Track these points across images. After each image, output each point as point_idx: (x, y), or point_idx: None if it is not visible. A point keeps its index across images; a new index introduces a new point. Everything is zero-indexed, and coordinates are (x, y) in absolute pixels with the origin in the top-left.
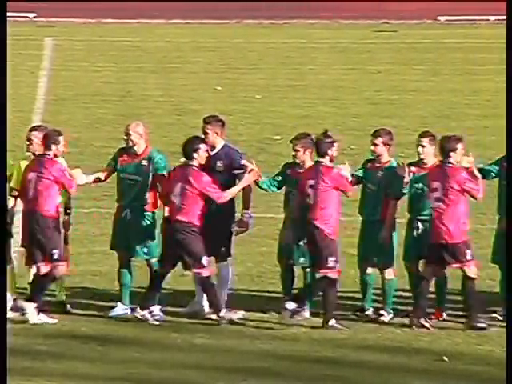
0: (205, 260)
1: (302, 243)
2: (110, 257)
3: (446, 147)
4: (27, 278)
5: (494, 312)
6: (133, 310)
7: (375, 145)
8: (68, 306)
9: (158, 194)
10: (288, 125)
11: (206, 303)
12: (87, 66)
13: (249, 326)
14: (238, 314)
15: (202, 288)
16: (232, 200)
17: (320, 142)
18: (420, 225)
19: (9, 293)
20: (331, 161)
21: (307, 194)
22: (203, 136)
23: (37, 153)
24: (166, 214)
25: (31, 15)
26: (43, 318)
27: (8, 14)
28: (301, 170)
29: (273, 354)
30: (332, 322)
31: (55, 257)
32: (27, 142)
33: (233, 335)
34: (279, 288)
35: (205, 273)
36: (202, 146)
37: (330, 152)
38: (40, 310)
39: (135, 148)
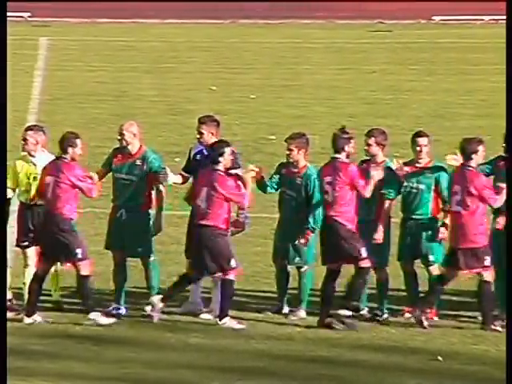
0: (233, 262)
1: (296, 243)
2: (104, 257)
3: (467, 149)
4: (22, 278)
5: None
6: (127, 309)
7: (369, 145)
8: (63, 306)
9: (152, 193)
10: (283, 125)
11: (201, 303)
12: (82, 65)
13: (244, 325)
14: (239, 325)
15: (225, 290)
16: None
17: (337, 138)
18: (414, 224)
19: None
20: (347, 157)
21: (325, 191)
22: (198, 136)
23: (32, 152)
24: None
25: (26, 15)
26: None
27: None
28: (295, 170)
29: (268, 354)
30: (344, 312)
31: (79, 256)
32: (23, 142)
33: (228, 335)
34: (274, 288)
35: (231, 276)
36: (227, 150)
37: (346, 148)
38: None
39: (129, 148)
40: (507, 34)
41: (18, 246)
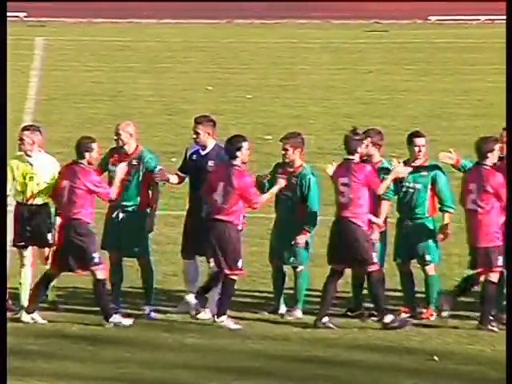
0: (240, 263)
1: (293, 243)
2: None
3: (483, 148)
4: (19, 278)
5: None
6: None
7: (365, 145)
8: (58, 306)
9: (148, 193)
10: (279, 124)
11: (197, 303)
12: (78, 65)
13: (240, 325)
14: (236, 326)
15: (227, 289)
16: None
17: (349, 140)
18: (410, 224)
19: None
20: (361, 158)
21: (341, 192)
22: (194, 136)
23: (29, 152)
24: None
25: (22, 15)
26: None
27: None
28: (291, 170)
29: (264, 354)
30: (389, 317)
31: (96, 260)
32: (19, 142)
33: (224, 335)
34: (270, 288)
35: (235, 276)
36: (245, 144)
37: (359, 149)
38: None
39: (126, 148)
40: (507, 34)
41: (14, 245)
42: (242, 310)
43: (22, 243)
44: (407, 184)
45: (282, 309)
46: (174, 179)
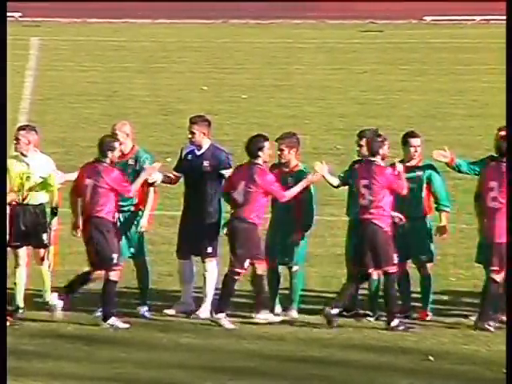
0: (246, 263)
1: (289, 242)
2: None
3: (503, 146)
4: (13, 278)
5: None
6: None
7: (360, 145)
8: (53, 305)
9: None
10: (274, 125)
11: (192, 303)
12: (73, 65)
13: (235, 325)
14: (231, 326)
15: (227, 287)
16: (219, 200)
17: (371, 141)
18: (405, 224)
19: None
20: (383, 159)
21: (361, 194)
22: (189, 136)
23: (25, 152)
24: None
25: (17, 15)
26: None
27: None
28: (286, 170)
29: (259, 354)
30: (396, 322)
31: (114, 261)
32: (15, 142)
33: (219, 335)
34: (265, 288)
35: (260, 270)
36: (266, 144)
37: (381, 151)
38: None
39: (122, 147)
40: (507, 33)
41: (9, 245)
42: (237, 310)
43: (17, 243)
44: None
45: (277, 309)
46: (158, 177)
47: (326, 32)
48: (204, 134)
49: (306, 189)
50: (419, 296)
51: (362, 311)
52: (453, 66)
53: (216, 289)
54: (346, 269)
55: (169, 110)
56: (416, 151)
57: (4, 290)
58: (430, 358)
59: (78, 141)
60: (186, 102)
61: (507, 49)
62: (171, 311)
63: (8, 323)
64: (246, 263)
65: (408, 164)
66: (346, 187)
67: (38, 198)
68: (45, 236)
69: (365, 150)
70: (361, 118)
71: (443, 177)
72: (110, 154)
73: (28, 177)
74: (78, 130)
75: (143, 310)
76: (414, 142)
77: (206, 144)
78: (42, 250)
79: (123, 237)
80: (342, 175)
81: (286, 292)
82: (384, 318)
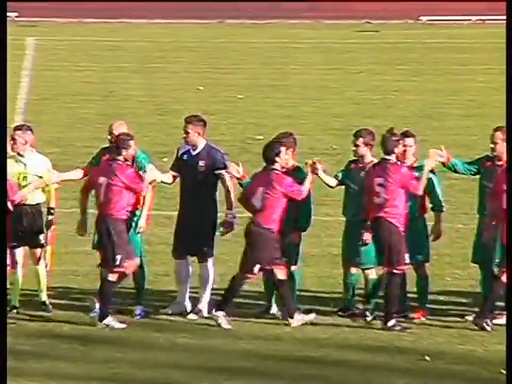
0: (256, 269)
1: (286, 242)
2: (91, 257)
3: None
4: (9, 279)
5: (475, 312)
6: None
7: (357, 145)
8: (50, 306)
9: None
10: (270, 125)
11: (188, 303)
12: (69, 65)
13: (232, 325)
14: (228, 326)
15: (232, 288)
16: (214, 200)
17: (386, 140)
18: None
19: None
20: (397, 158)
21: (376, 193)
22: (184, 136)
23: (21, 152)
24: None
25: (13, 15)
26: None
27: None
28: (283, 170)
29: (256, 354)
30: (392, 322)
31: (117, 263)
32: (11, 142)
33: (215, 335)
34: (261, 288)
35: (280, 275)
36: (283, 150)
37: (396, 150)
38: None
39: None
40: (507, 33)
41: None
42: (233, 309)
43: (14, 243)
44: None
45: (274, 309)
46: (167, 179)
47: (322, 32)
48: (199, 133)
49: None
50: (415, 296)
51: (358, 311)
52: (449, 66)
53: (212, 289)
54: (342, 269)
55: (165, 109)
56: (405, 150)
57: (4, 290)
58: (427, 357)
59: (74, 141)
60: (181, 101)
61: (507, 49)
62: (167, 311)
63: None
64: (256, 269)
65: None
66: (343, 187)
67: (35, 197)
68: (41, 236)
69: (361, 150)
70: (357, 118)
71: (439, 177)
72: (124, 151)
73: (25, 177)
74: (74, 130)
75: (139, 309)
76: (406, 141)
77: (201, 144)
78: (38, 250)
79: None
80: (338, 175)
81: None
82: (381, 318)
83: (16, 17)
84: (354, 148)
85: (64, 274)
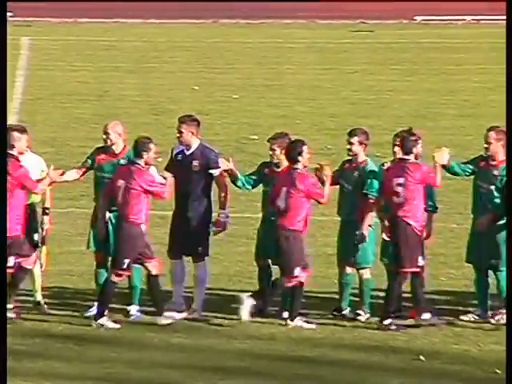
0: (297, 271)
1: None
2: (86, 257)
3: None
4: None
5: (470, 312)
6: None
7: (351, 144)
8: (45, 305)
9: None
10: (265, 124)
11: (183, 303)
12: (64, 65)
13: (226, 325)
14: (310, 325)
15: (295, 297)
16: (209, 200)
17: (405, 140)
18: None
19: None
20: (416, 158)
21: (395, 192)
22: (178, 135)
23: (15, 153)
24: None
25: (8, 14)
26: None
27: None
28: (278, 170)
29: (250, 354)
30: (388, 321)
31: (123, 266)
32: None
33: (210, 335)
34: (257, 288)
35: (292, 284)
36: (305, 149)
37: (414, 150)
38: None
39: (113, 147)
40: (507, 33)
41: None
42: (227, 310)
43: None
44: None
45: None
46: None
47: (316, 32)
48: (192, 133)
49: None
50: (410, 295)
51: (352, 311)
52: (444, 66)
53: (207, 289)
54: (337, 268)
55: (160, 109)
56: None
57: (4, 290)
58: (421, 357)
59: (69, 140)
60: (176, 101)
61: (507, 49)
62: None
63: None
64: (297, 271)
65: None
66: (337, 186)
67: (30, 197)
68: (36, 236)
69: (354, 149)
70: (351, 118)
71: None
72: (145, 154)
73: None
74: (69, 130)
75: (134, 309)
76: (397, 141)
77: (195, 144)
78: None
79: (114, 236)
80: (333, 175)
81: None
82: (374, 319)
83: (11, 16)
84: (348, 146)
85: (59, 273)
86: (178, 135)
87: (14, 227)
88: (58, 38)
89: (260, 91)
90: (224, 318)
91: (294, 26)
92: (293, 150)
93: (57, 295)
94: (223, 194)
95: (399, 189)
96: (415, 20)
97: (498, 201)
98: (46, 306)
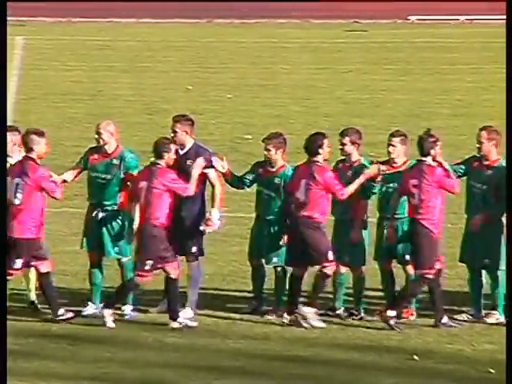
0: (330, 255)
1: (281, 243)
2: (80, 256)
3: None
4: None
5: (463, 312)
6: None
7: (343, 144)
8: (38, 305)
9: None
10: (259, 124)
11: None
12: (58, 65)
13: (220, 325)
14: (320, 323)
15: (320, 283)
16: (202, 199)
17: (423, 141)
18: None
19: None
20: (434, 160)
21: (411, 194)
22: (172, 135)
23: (10, 154)
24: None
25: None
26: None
27: None
28: (273, 170)
29: (244, 353)
30: (445, 319)
31: (147, 267)
32: None
33: (204, 334)
34: (251, 287)
35: (328, 270)
36: (326, 142)
37: (432, 151)
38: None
39: (106, 147)
40: (507, 33)
41: None
42: (222, 309)
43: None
44: (387, 184)
45: (263, 308)
46: None
47: (310, 31)
48: (186, 132)
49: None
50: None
51: (346, 310)
52: (437, 66)
53: (201, 288)
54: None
55: (153, 109)
56: (393, 150)
57: (4, 290)
58: (415, 357)
59: (63, 140)
60: (170, 101)
61: (507, 49)
62: (156, 310)
63: None
64: (330, 255)
65: (394, 165)
66: None
67: None
68: None
69: (347, 149)
70: (345, 118)
71: None
72: (166, 155)
73: None
74: (63, 130)
75: (128, 309)
76: (392, 140)
77: (189, 143)
78: None
79: (107, 236)
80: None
81: (272, 291)
82: (368, 318)
83: None
84: (341, 146)
85: (53, 273)
86: (173, 135)
87: (29, 230)
88: (52, 38)
89: (254, 91)
90: (218, 318)
91: (288, 25)
92: (313, 143)
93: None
94: (217, 194)
95: (414, 190)
96: (409, 20)
97: (491, 201)
98: (39, 305)
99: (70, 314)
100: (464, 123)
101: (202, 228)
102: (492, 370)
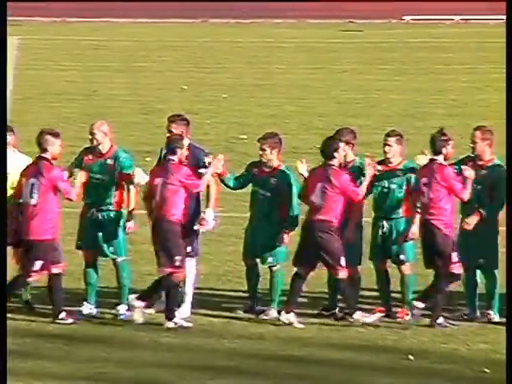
0: (343, 260)
1: (273, 243)
2: (75, 256)
3: None
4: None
5: (459, 310)
6: (98, 308)
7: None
8: (33, 304)
9: (123, 192)
10: (255, 124)
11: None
12: (53, 65)
13: (215, 324)
14: (371, 318)
15: (339, 288)
16: (197, 199)
17: (436, 140)
18: (385, 224)
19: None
20: (446, 159)
21: (422, 192)
22: (167, 135)
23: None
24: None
25: None
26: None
27: None
28: (268, 170)
29: (239, 353)
30: (441, 320)
31: (177, 263)
32: None
33: (199, 334)
34: (246, 287)
35: (341, 274)
36: (341, 145)
37: (444, 150)
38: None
39: (100, 147)
40: (507, 34)
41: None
42: (217, 309)
43: None
44: (382, 184)
45: (257, 308)
46: (144, 178)
47: (306, 31)
48: (182, 132)
49: (290, 188)
50: (399, 295)
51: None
52: (432, 66)
53: (196, 288)
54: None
55: (149, 109)
56: (389, 150)
57: (4, 290)
58: (410, 356)
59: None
60: (166, 101)
61: (507, 48)
62: (151, 310)
63: None
64: (343, 261)
65: (390, 165)
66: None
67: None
68: None
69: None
70: (340, 118)
71: None
72: (178, 151)
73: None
74: (58, 130)
75: (123, 309)
76: (388, 140)
77: (184, 143)
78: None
79: (103, 236)
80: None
81: (267, 291)
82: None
83: None
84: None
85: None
86: (168, 135)
87: (46, 231)
88: (47, 38)
89: (250, 91)
90: (213, 318)
91: (283, 25)
92: (329, 147)
93: (46, 294)
94: (212, 194)
95: (425, 189)
96: (404, 20)
97: (485, 200)
98: (34, 305)
99: (70, 320)
100: (459, 123)
101: (196, 228)
102: (487, 370)
